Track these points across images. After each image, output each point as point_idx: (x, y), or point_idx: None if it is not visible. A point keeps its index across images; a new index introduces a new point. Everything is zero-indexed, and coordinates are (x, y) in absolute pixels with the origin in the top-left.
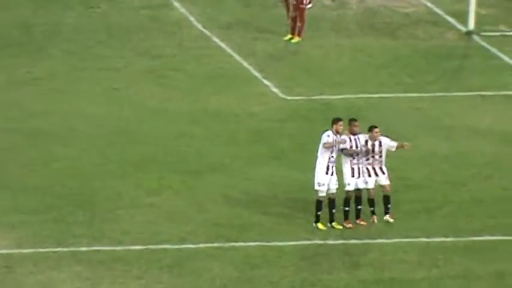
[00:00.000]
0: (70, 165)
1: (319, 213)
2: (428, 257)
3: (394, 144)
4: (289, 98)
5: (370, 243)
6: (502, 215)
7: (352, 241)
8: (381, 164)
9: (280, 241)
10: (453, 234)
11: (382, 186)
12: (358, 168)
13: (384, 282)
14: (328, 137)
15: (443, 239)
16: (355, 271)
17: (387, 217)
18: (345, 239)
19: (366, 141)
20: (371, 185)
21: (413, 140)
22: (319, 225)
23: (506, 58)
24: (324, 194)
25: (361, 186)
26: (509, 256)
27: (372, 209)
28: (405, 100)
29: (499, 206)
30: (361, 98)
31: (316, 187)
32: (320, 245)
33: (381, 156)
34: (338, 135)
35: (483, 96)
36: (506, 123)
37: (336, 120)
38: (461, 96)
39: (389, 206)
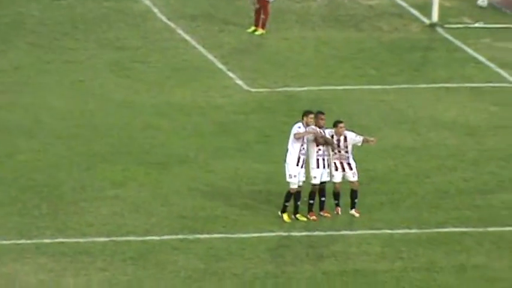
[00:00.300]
0: (35, 158)
1: (287, 204)
2: (392, 248)
3: (360, 139)
4: (253, 90)
5: (334, 235)
6: (466, 207)
7: (316, 233)
8: (348, 160)
9: (244, 233)
10: (417, 226)
11: (350, 182)
12: (323, 160)
13: (348, 273)
14: (299, 128)
15: (407, 230)
16: (319, 263)
17: (353, 211)
18: (309, 230)
19: (332, 136)
20: (337, 179)
21: (377, 132)
22: (285, 216)
23: (469, 50)
24: (295, 186)
25: (326, 179)
26: (472, 248)
27: (337, 201)
28: (369, 92)
29: (462, 198)
30: (326, 90)
31: (288, 179)
32: (284, 236)
33: (347, 152)
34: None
35: (447, 88)
36: (470, 115)
37: (306, 113)
38: (426, 88)
39: (356, 200)
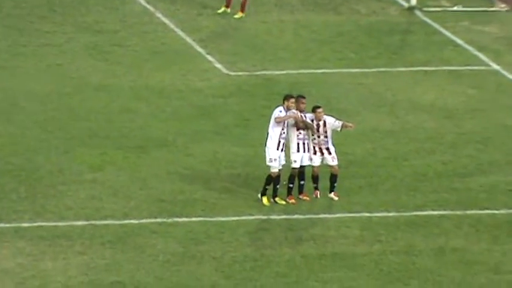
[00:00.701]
0: (12, 142)
1: (267, 187)
2: (370, 232)
3: (339, 124)
4: (232, 73)
5: (313, 219)
6: (444, 190)
7: (295, 216)
8: (327, 144)
9: (223, 216)
10: (395, 209)
11: (329, 166)
12: (303, 144)
13: (327, 257)
14: (280, 112)
15: (385, 214)
16: (298, 246)
17: (331, 195)
18: (288, 214)
19: (312, 121)
20: (316, 163)
21: (356, 116)
22: (264, 200)
23: (448, 33)
24: (276, 170)
25: (306, 163)
26: (451, 231)
27: (315, 185)
28: (348, 75)
29: (441, 181)
30: (304, 73)
31: (268, 163)
32: (263, 220)
33: (326, 137)
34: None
35: (426, 71)
36: (448, 98)
37: (287, 97)
38: (404, 71)
39: (335, 184)
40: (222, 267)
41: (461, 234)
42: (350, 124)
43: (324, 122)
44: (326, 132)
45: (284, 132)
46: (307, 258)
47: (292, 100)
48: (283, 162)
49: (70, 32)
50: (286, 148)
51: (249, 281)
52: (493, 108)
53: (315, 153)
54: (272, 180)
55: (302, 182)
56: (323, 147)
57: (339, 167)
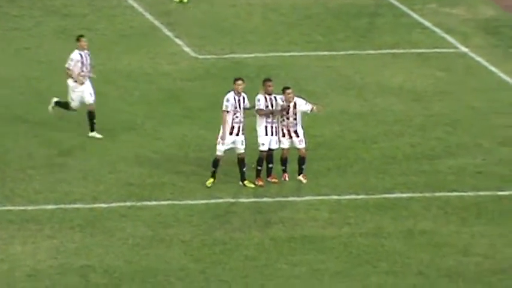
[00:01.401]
0: None
1: (215, 169)
2: (339, 214)
3: (309, 107)
4: (200, 57)
5: (282, 201)
6: (413, 173)
7: (264, 199)
8: (296, 127)
9: (192, 200)
10: (364, 192)
11: (297, 149)
12: (271, 127)
13: (296, 239)
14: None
15: (354, 196)
16: (267, 229)
17: (300, 177)
18: (256, 197)
19: (282, 101)
20: (285, 146)
21: (324, 98)
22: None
23: (416, 16)
24: (220, 153)
25: (274, 146)
26: (419, 213)
27: (284, 167)
28: (316, 58)
29: (409, 164)
30: (273, 56)
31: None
32: (232, 203)
33: (295, 119)
34: (241, 96)
35: (394, 54)
36: (417, 81)
37: (234, 80)
38: (373, 54)
39: (303, 167)
40: (191, 250)
41: (429, 217)
42: (319, 107)
43: (295, 104)
44: (295, 114)
45: (237, 117)
46: (276, 241)
47: (239, 82)
48: (243, 145)
49: (38, 16)
50: (249, 132)
51: (218, 264)
52: (461, 91)
53: (283, 135)
54: (217, 162)
55: (270, 165)
56: (291, 129)
57: (306, 150)
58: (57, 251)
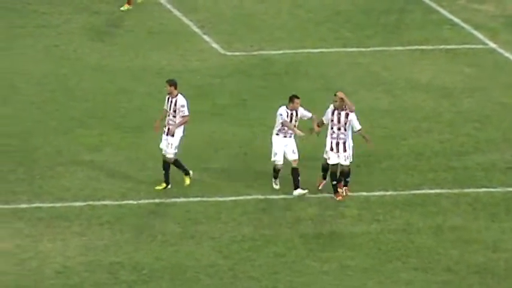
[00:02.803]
0: (10, 123)
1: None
2: (368, 211)
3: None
4: (229, 53)
5: (311, 198)
6: (441, 169)
7: (292, 196)
8: (346, 139)
9: (221, 197)
10: (393, 188)
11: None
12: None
13: (325, 236)
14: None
15: (383, 193)
16: (296, 226)
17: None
18: (286, 194)
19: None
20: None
21: (353, 95)
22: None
23: (445, 12)
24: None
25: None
26: (448, 209)
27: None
28: (345, 55)
29: (438, 160)
30: (301, 53)
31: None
32: (261, 200)
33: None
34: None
35: (422, 50)
36: (445, 77)
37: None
38: (401, 50)
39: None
40: (220, 247)
41: (459, 213)
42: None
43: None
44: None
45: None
46: (305, 238)
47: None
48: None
49: (67, 13)
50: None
51: (247, 261)
52: (490, 87)
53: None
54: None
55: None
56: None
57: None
58: (86, 248)
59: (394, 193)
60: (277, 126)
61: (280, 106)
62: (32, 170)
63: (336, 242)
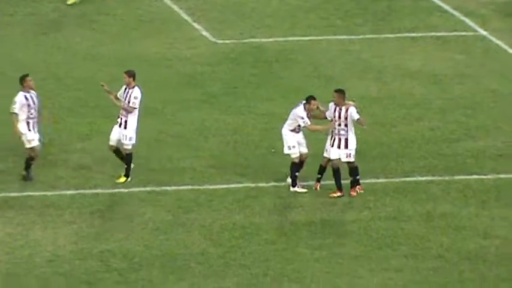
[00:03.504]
0: (0, 112)
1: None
2: (359, 198)
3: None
4: (219, 41)
5: (302, 186)
6: (432, 156)
7: (284, 184)
8: (346, 135)
9: (211, 184)
10: (384, 175)
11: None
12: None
13: (316, 224)
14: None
15: (373, 180)
16: (286, 213)
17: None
18: (276, 181)
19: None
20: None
21: (343, 82)
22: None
23: None
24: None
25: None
26: (439, 196)
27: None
28: (335, 42)
29: (428, 147)
30: (292, 41)
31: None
32: (252, 188)
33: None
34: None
35: (413, 37)
36: (436, 64)
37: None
38: (391, 38)
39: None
40: (211, 235)
41: (449, 200)
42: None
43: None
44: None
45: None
46: (296, 225)
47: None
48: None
49: (56, 1)
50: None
51: (238, 249)
52: (480, 74)
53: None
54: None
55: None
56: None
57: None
58: (77, 236)
59: (385, 180)
60: (292, 125)
61: (297, 106)
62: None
63: (327, 230)
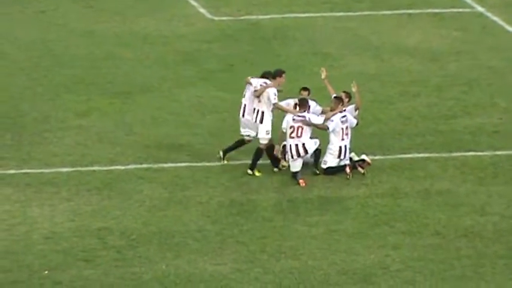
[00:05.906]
0: None
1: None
2: (356, 175)
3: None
4: (216, 18)
5: None
6: (429, 133)
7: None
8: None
9: (208, 162)
10: (381, 152)
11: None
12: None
13: (313, 200)
14: (275, 95)
15: (371, 157)
16: (284, 190)
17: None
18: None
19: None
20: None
21: (340, 59)
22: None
23: None
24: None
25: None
26: (436, 173)
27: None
28: (333, 19)
29: (425, 124)
30: (289, 17)
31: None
32: (249, 165)
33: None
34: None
35: (410, 14)
36: (433, 41)
37: (280, 73)
38: (389, 14)
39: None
40: (208, 212)
41: (446, 177)
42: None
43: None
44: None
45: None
46: (293, 202)
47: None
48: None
49: None
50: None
51: (235, 226)
52: (477, 50)
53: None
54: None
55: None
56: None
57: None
58: (74, 214)
59: (382, 157)
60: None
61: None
62: (19, 136)
63: (324, 207)
